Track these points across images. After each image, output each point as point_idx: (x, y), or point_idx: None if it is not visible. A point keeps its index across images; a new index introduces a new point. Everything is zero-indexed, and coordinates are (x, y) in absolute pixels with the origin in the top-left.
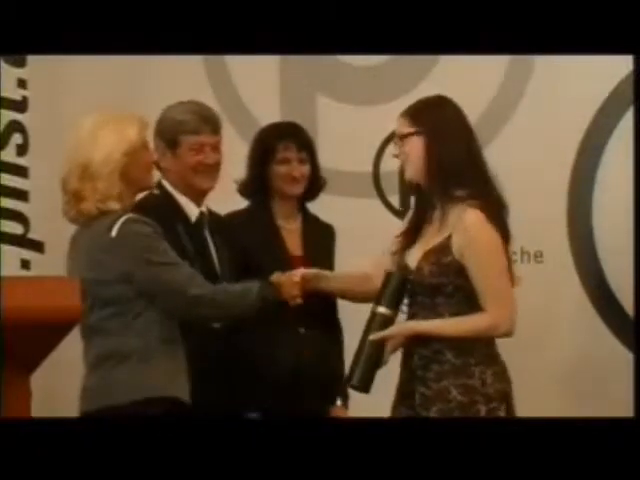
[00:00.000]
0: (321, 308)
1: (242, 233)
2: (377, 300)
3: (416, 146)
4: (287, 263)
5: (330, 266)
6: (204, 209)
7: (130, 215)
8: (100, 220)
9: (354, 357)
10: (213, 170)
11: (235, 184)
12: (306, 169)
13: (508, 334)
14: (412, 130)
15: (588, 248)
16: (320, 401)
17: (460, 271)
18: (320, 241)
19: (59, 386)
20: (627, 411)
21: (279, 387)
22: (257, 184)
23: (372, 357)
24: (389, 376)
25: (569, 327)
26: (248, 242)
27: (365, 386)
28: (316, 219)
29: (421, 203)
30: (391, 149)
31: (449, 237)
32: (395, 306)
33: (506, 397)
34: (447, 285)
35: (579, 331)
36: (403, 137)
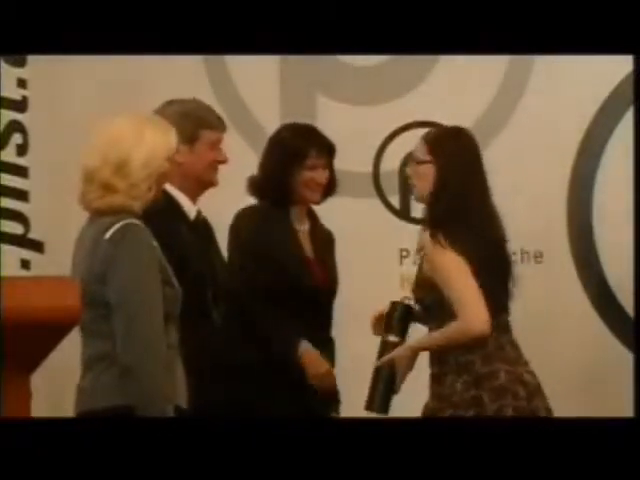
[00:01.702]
0: (326, 311)
1: (258, 234)
2: (386, 329)
3: (428, 173)
4: (304, 265)
5: (335, 268)
6: (199, 207)
7: (131, 221)
8: (103, 219)
9: (371, 383)
10: (217, 168)
11: (248, 182)
12: (327, 175)
13: (482, 336)
14: (428, 158)
15: (588, 248)
16: (326, 406)
17: (433, 286)
18: (326, 244)
19: (59, 386)
20: (627, 411)
21: (294, 390)
22: (278, 186)
23: (387, 382)
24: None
25: (569, 327)
26: (266, 243)
27: (385, 409)
28: (320, 223)
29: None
30: (391, 149)
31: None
32: (402, 334)
33: (476, 403)
34: (424, 299)
35: (579, 331)
36: (420, 162)
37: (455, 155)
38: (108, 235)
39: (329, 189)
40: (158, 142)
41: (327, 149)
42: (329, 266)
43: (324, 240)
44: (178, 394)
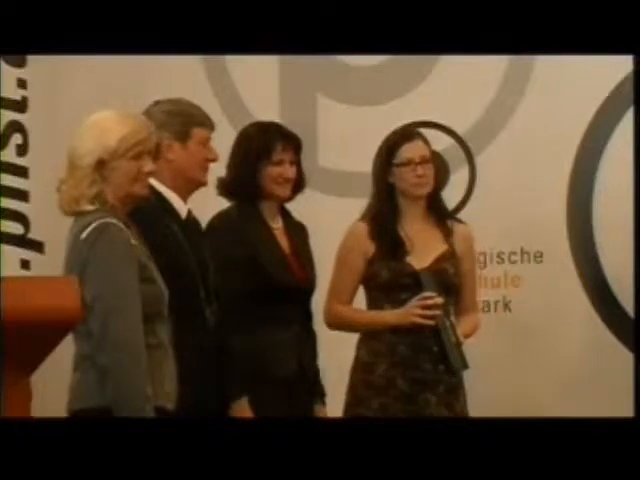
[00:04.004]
0: (306, 306)
1: (240, 234)
2: (426, 296)
3: (431, 168)
4: (285, 262)
5: (312, 262)
6: (190, 207)
7: (107, 220)
8: (81, 219)
9: (443, 348)
10: (208, 167)
11: (217, 183)
12: (295, 170)
13: None
14: (430, 155)
15: (588, 248)
16: (311, 400)
17: (457, 268)
18: (301, 239)
19: (59, 386)
20: (627, 411)
21: (281, 386)
22: (246, 183)
23: (456, 339)
24: None
25: (569, 327)
26: (243, 244)
27: (466, 363)
28: (292, 218)
29: (414, 216)
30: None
31: (452, 244)
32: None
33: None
34: (447, 271)
35: (579, 331)
36: (427, 160)
37: None
38: (83, 236)
39: (298, 185)
40: (98, 135)
41: (293, 144)
42: (306, 261)
43: (298, 235)
44: (165, 394)
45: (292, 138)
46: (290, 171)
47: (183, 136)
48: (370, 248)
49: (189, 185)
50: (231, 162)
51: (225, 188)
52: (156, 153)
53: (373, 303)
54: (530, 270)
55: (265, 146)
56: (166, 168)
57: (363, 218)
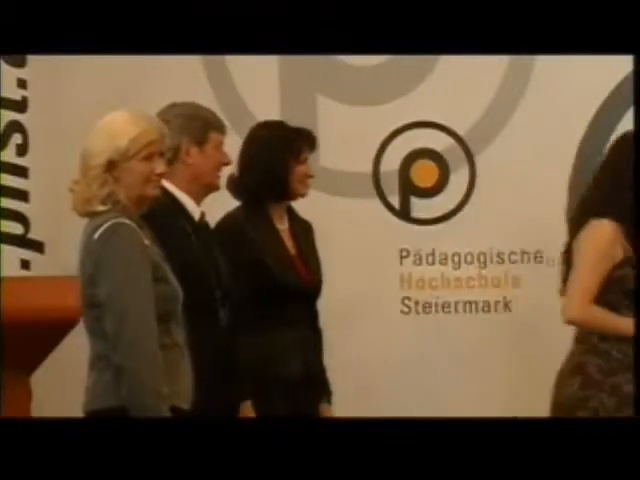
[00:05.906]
0: (312, 307)
1: (246, 236)
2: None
3: None
4: (289, 263)
5: (318, 261)
6: (203, 209)
7: (119, 220)
8: (95, 219)
9: None
10: (221, 170)
11: (234, 183)
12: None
13: None
14: None
15: None
16: (318, 399)
17: None
18: (306, 239)
19: (59, 386)
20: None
21: (288, 387)
22: (279, 184)
23: None
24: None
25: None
26: (251, 247)
27: None
28: (298, 218)
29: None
30: (391, 149)
31: None
32: None
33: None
34: None
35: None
36: None
37: None
38: (96, 235)
39: None
40: (109, 136)
41: (312, 141)
42: (313, 261)
43: (304, 235)
44: (180, 394)
45: (312, 135)
46: (309, 168)
47: (201, 140)
48: (619, 251)
49: (204, 189)
50: (257, 162)
51: (249, 188)
52: (174, 157)
53: (608, 305)
54: (530, 270)
55: (295, 146)
56: (183, 172)
57: (605, 216)
